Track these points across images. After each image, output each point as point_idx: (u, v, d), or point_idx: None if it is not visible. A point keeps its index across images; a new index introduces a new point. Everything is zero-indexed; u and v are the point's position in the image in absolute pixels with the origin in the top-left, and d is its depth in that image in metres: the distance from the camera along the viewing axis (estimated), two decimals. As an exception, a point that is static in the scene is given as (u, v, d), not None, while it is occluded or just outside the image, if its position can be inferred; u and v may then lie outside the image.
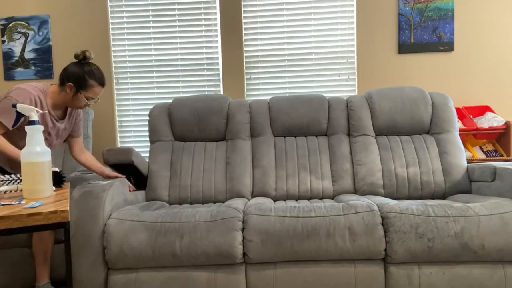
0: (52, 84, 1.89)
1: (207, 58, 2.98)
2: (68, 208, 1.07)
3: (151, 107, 2.75)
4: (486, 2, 2.85)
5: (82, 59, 1.86)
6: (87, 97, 1.86)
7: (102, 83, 1.88)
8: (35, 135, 1.24)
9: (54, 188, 1.45)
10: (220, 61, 2.98)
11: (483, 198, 1.88)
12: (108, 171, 2.08)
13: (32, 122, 1.26)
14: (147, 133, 2.99)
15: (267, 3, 2.94)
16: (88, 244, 1.68)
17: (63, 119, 1.96)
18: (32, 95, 1.75)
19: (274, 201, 2.19)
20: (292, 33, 2.95)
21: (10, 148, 1.66)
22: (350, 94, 2.82)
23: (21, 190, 1.40)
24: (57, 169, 1.56)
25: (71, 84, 1.81)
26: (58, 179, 1.51)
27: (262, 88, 2.99)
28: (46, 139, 1.92)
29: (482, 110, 2.80)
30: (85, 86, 1.83)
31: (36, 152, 1.22)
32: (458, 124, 2.37)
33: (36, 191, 1.23)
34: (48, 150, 1.28)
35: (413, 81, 2.92)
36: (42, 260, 1.88)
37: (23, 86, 1.77)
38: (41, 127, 1.28)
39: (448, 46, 2.86)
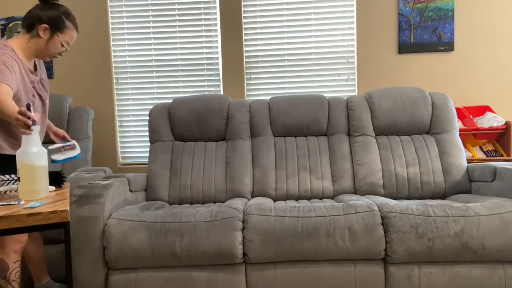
0: (7, 39, 1.66)
1: (207, 58, 2.98)
2: (68, 208, 1.07)
3: (151, 107, 2.75)
4: (486, 2, 2.85)
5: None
6: (62, 42, 1.66)
7: (77, 26, 1.70)
8: (32, 136, 1.23)
9: (54, 188, 1.45)
10: (220, 61, 2.98)
11: (483, 198, 1.88)
12: (54, 127, 1.87)
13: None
14: (147, 133, 2.99)
15: (267, 3, 2.94)
16: (88, 244, 1.68)
17: (35, 71, 1.72)
18: (7, 53, 1.54)
19: (274, 201, 2.19)
20: (292, 33, 2.94)
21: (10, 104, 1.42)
22: (350, 94, 2.82)
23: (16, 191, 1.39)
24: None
25: (46, 25, 1.59)
26: (58, 179, 1.51)
27: (262, 88, 2.99)
28: (37, 95, 1.71)
29: (482, 110, 2.80)
30: (63, 28, 1.63)
31: (33, 152, 1.21)
32: (458, 124, 2.37)
33: (31, 191, 1.22)
34: (45, 150, 1.25)
35: (413, 81, 2.91)
36: (37, 262, 1.87)
37: None
38: (37, 128, 1.26)
39: (448, 46, 2.86)
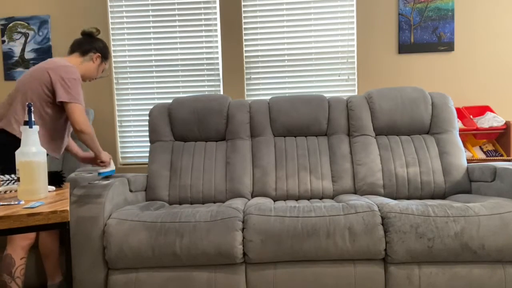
0: (62, 58, 1.87)
1: (207, 58, 2.98)
2: (68, 208, 1.07)
3: (151, 107, 2.75)
4: (486, 2, 2.85)
5: (97, 34, 1.98)
6: (104, 68, 2.02)
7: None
8: (31, 136, 1.23)
9: (54, 188, 1.45)
10: (220, 61, 2.98)
11: (483, 198, 1.88)
12: (82, 152, 2.07)
13: (28, 123, 1.24)
14: (147, 133, 2.99)
15: (267, 3, 2.94)
16: (88, 244, 1.68)
17: None
18: (76, 71, 1.79)
19: (274, 201, 2.19)
20: (292, 33, 2.94)
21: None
22: (350, 94, 2.82)
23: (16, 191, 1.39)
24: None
25: (99, 54, 1.93)
26: (58, 179, 1.51)
27: (262, 88, 2.99)
28: None
29: (482, 110, 2.80)
30: (107, 58, 2.00)
31: (32, 152, 1.21)
32: (458, 124, 2.37)
33: (30, 191, 1.22)
34: (44, 150, 1.26)
35: (413, 81, 2.91)
36: (51, 259, 1.94)
37: (63, 62, 1.76)
38: (36, 128, 1.27)
39: (448, 46, 2.86)
